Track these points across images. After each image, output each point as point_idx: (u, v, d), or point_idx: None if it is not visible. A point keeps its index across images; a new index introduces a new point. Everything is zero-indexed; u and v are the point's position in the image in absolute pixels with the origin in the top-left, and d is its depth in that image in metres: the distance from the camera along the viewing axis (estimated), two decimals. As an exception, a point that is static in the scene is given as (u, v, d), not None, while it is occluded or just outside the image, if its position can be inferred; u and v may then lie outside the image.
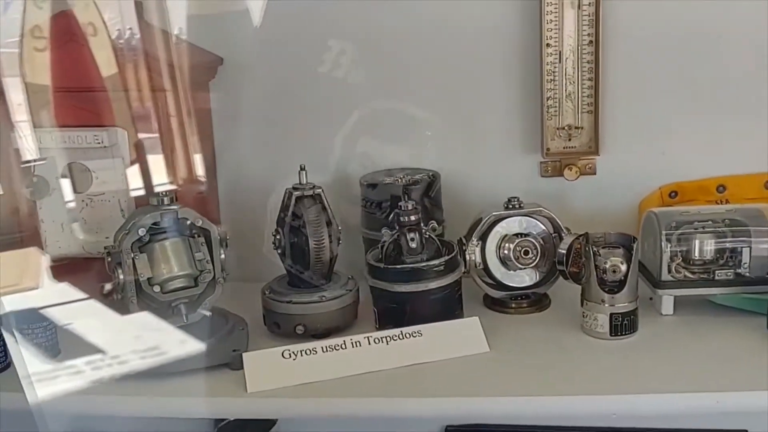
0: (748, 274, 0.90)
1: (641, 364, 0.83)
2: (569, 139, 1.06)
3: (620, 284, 0.86)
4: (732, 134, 1.06)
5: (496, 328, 0.91)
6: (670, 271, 0.91)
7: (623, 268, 0.86)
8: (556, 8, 1.01)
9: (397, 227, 0.89)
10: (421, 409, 0.78)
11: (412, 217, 0.89)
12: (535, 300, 0.99)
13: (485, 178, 1.10)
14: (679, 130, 1.06)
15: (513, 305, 0.99)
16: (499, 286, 0.98)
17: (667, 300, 0.92)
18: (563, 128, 1.06)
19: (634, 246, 0.86)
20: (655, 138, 1.07)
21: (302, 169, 0.90)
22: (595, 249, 0.87)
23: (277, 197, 0.93)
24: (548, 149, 1.06)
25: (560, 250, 0.93)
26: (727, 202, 1.05)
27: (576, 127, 1.06)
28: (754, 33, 1.01)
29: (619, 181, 1.08)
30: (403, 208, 0.89)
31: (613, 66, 1.04)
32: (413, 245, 0.89)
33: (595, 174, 1.08)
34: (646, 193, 1.08)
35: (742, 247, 0.89)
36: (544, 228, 0.98)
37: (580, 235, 0.91)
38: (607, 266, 0.86)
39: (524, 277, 0.98)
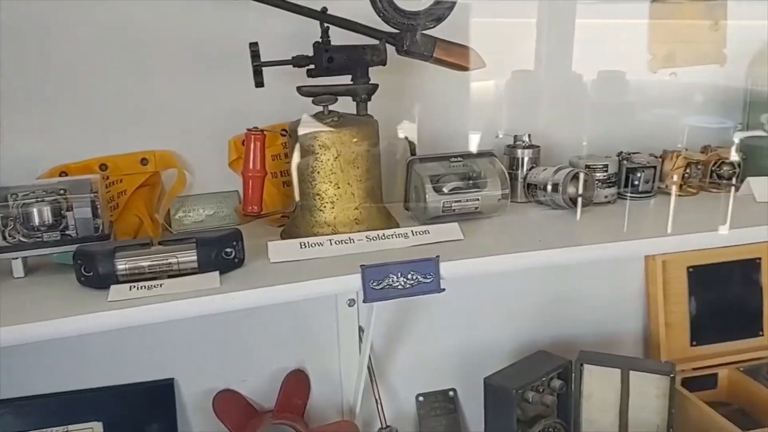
0: (75, 234, 1.05)
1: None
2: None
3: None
4: (112, 120, 1.22)
5: None
6: (5, 238, 1.03)
7: None
8: None
9: None
10: None
11: None
12: None
13: None
14: (64, 116, 1.20)
15: None
16: None
17: (16, 263, 1.04)
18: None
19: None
20: (44, 123, 1.19)
21: None
22: None
23: None
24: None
25: None
26: (108, 178, 1.22)
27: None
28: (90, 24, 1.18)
29: (17, 163, 1.18)
30: None
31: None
32: None
33: (-6, 155, 1.18)
34: (40, 174, 1.20)
35: (66, 212, 1.04)
36: None
37: None
38: None
39: None
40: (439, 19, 1.05)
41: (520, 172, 1.34)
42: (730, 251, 1.57)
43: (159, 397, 1.35)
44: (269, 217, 1.22)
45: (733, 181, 1.36)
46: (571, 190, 1.25)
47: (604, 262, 1.52)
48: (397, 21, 1.04)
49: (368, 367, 1.41)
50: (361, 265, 0.99)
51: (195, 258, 0.99)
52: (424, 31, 1.10)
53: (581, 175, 1.25)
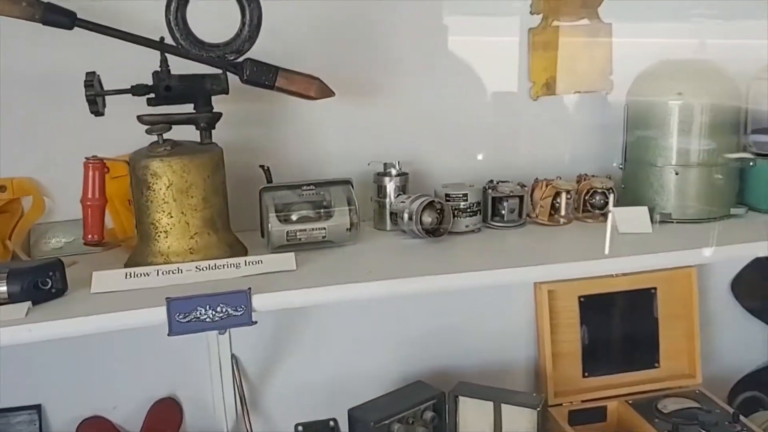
0: None
1: None
2: None
3: None
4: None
5: None
6: None
7: None
8: None
9: None
10: None
11: None
12: None
13: None
14: None
15: None
16: None
17: None
18: None
19: None
20: None
21: None
22: None
23: None
24: None
25: None
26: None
27: None
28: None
29: None
30: None
31: None
32: None
33: None
34: None
35: None
36: None
37: None
38: None
39: None
40: (239, 52, 1.04)
41: (387, 200, 1.32)
42: (623, 281, 1.54)
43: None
44: (118, 245, 1.22)
45: (606, 210, 1.33)
46: (425, 219, 1.23)
47: (493, 290, 1.50)
48: (193, 54, 1.03)
49: (240, 396, 1.40)
50: (166, 298, 0.98)
51: (5, 289, 0.99)
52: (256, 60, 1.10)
53: (437, 204, 1.24)
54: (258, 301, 1.00)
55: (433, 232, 1.24)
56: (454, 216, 1.27)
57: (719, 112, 1.30)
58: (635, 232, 1.26)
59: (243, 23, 1.01)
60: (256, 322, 1.00)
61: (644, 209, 1.28)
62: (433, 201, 1.24)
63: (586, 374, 1.55)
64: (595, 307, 1.54)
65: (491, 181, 1.35)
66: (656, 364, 1.58)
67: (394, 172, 1.33)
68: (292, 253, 1.12)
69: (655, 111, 1.31)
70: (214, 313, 0.99)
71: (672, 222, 1.31)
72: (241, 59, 1.09)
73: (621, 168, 1.39)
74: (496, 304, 1.54)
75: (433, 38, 1.39)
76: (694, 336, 1.56)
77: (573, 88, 1.46)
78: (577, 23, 1.44)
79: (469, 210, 1.28)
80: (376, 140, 1.40)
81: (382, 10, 1.35)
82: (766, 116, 1.36)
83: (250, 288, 1.00)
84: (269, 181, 1.25)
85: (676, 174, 1.30)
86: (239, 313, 0.99)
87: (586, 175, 1.38)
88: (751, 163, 1.35)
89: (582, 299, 1.54)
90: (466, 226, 1.29)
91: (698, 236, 1.27)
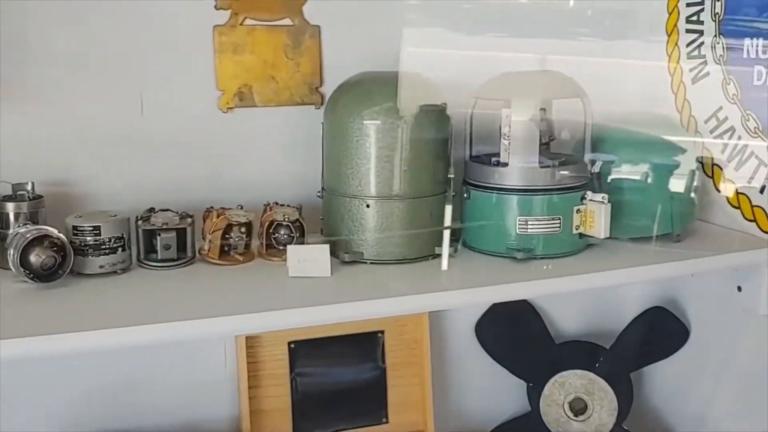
0: None
1: None
2: None
3: None
4: None
5: None
6: None
7: None
8: None
9: None
10: None
11: None
12: None
13: None
14: None
15: None
16: None
17: None
18: None
19: None
20: None
21: None
22: None
23: None
24: None
25: None
26: None
27: None
28: None
29: None
30: None
31: None
32: None
33: None
34: None
35: None
36: None
37: None
38: None
39: None
40: None
41: (11, 231, 1.05)
42: (344, 324, 1.33)
43: None
44: None
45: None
46: (34, 260, 0.97)
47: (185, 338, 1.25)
48: None
49: None
50: None
51: None
52: None
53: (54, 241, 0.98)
54: None
55: (47, 277, 0.98)
56: (83, 254, 1.01)
57: (424, 134, 1.11)
58: (309, 275, 1.05)
59: None
60: None
61: (324, 248, 1.07)
62: (47, 235, 0.97)
63: (298, 433, 1.33)
64: (309, 355, 1.32)
65: (151, 209, 1.10)
66: (384, 420, 1.37)
67: (24, 195, 1.06)
68: None
69: (348, 131, 1.11)
70: None
71: (365, 263, 1.11)
72: None
73: (319, 197, 1.18)
74: (190, 351, 1.29)
75: (91, 26, 1.13)
76: (425, 386, 1.37)
77: (273, 100, 1.24)
78: (276, 23, 1.22)
79: (104, 246, 1.03)
80: (14, 155, 1.12)
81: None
82: (485, 136, 1.19)
83: None
84: None
85: (368, 206, 1.10)
86: None
87: (273, 203, 1.16)
88: (465, 195, 1.17)
89: (292, 345, 1.31)
90: (101, 267, 1.03)
91: (391, 281, 1.07)
